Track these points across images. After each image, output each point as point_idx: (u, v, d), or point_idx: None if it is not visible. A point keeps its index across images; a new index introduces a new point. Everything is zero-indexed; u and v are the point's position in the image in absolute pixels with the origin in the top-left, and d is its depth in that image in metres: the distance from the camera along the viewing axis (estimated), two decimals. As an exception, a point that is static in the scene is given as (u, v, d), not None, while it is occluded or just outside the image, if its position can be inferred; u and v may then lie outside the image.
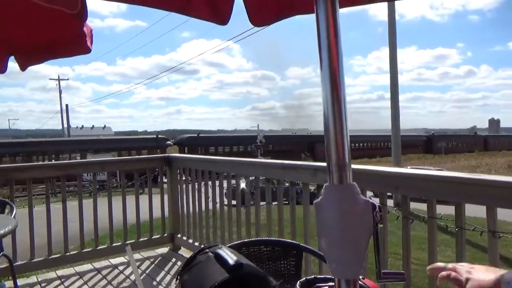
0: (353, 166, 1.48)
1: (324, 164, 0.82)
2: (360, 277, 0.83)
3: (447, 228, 2.69)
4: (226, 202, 3.54)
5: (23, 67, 2.32)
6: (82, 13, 1.21)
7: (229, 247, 1.28)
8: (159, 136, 36.83)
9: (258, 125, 53.73)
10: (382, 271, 0.81)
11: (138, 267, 3.74)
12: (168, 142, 36.09)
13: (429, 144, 56.27)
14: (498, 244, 1.79)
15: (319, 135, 53.03)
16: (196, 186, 3.87)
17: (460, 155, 50.98)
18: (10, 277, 3.05)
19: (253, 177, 3.24)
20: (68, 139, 37.82)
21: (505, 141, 67.92)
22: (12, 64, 2.41)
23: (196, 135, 41.99)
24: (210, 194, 3.69)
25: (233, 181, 3.52)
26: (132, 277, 3.45)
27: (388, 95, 14.67)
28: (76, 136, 45.10)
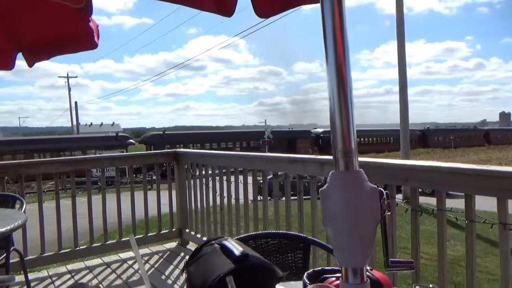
0: (361, 158, 1.47)
1: (331, 157, 0.81)
2: (368, 268, 0.82)
3: (456, 220, 2.66)
4: (233, 196, 3.54)
5: (30, 64, 2.34)
6: (87, 7, 1.21)
7: (236, 239, 1.28)
8: (119, 134, 35.69)
9: (265, 120, 53.64)
10: (390, 259, 0.80)
11: (147, 261, 3.78)
12: (130, 140, 35.01)
13: (424, 138, 54.37)
14: (509, 236, 1.76)
15: (299, 130, 53.21)
16: (204, 181, 3.88)
17: (469, 149, 49.98)
18: (21, 271, 3.09)
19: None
20: (26, 138, 37.26)
21: (510, 135, 64.49)
22: (21, 63, 2.43)
23: (161, 132, 38.46)
24: (218, 189, 3.69)
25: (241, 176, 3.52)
26: (141, 271, 3.48)
27: (396, 89, 14.53)
28: (82, 134, 45.17)
